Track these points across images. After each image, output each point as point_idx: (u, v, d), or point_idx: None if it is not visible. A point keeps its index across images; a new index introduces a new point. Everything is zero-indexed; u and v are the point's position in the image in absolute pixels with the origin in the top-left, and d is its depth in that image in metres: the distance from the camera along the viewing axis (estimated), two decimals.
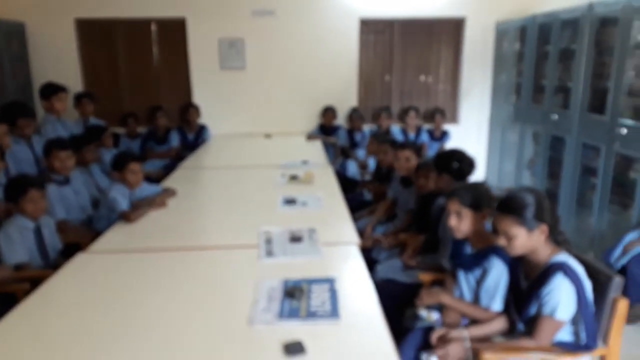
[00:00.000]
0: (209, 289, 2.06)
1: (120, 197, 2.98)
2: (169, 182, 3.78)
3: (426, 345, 1.97)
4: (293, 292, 1.91)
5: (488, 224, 2.17)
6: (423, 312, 2.17)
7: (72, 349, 1.63)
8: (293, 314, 1.78)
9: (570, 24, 4.28)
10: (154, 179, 4.13)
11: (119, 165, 3.15)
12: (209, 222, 3.06)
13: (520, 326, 1.96)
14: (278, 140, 5.66)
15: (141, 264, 2.33)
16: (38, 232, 2.70)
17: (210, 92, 5.93)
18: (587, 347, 1.84)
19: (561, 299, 1.78)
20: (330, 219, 2.88)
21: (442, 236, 2.60)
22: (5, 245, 2.54)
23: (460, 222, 2.10)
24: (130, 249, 2.51)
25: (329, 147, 5.55)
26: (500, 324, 1.99)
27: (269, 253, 2.35)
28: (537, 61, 4.89)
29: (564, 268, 1.79)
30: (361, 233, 2.99)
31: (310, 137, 5.73)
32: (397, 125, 5.98)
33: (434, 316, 2.16)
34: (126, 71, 5.93)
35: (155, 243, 2.57)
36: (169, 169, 4.60)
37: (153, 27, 5.84)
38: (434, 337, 1.95)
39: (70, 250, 2.61)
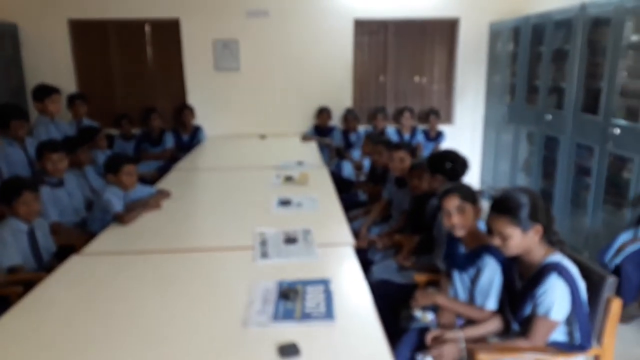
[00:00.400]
0: (203, 290, 2.05)
1: (114, 198, 2.96)
2: (163, 183, 3.77)
3: (421, 346, 1.98)
4: (288, 293, 1.91)
5: (482, 224, 2.18)
6: (418, 313, 2.18)
7: (65, 352, 1.62)
8: (288, 315, 1.77)
9: (563, 24, 4.31)
10: (148, 180, 4.12)
11: (113, 168, 3.13)
12: (204, 224, 3.06)
13: (515, 326, 1.96)
14: (273, 141, 5.66)
15: (135, 266, 2.32)
16: (31, 235, 2.68)
17: (204, 93, 5.92)
18: (582, 347, 1.84)
19: (556, 299, 1.78)
20: (325, 220, 2.88)
21: (437, 236, 2.60)
22: None
23: (463, 218, 2.11)
24: (124, 251, 2.50)
25: (324, 148, 5.55)
26: (495, 324, 2.00)
27: (264, 254, 2.35)
28: (531, 62, 4.91)
29: (558, 268, 1.80)
30: (356, 234, 2.99)
31: (305, 138, 5.73)
32: (392, 126, 5.99)
33: (429, 317, 2.16)
34: (120, 72, 5.91)
35: (150, 245, 2.56)
36: (163, 171, 4.59)
37: (147, 28, 5.82)
38: (429, 337, 1.95)
39: (64, 252, 2.59)
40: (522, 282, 1.93)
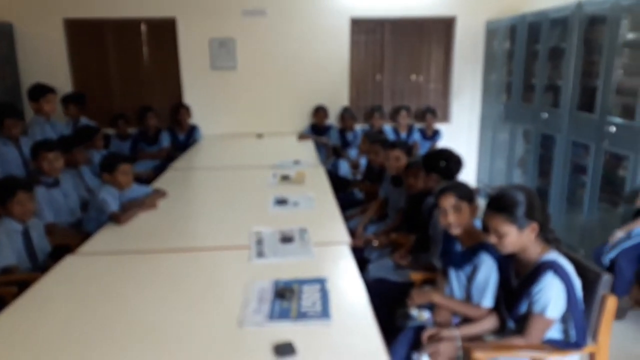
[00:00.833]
0: (199, 290, 2.04)
1: (109, 198, 2.95)
2: (160, 183, 3.76)
3: (417, 345, 1.98)
4: (284, 292, 1.91)
5: (477, 221, 2.18)
6: (414, 312, 2.18)
7: (60, 352, 1.61)
8: (284, 314, 1.77)
9: (559, 22, 4.31)
10: (144, 179, 4.11)
11: (109, 167, 3.11)
12: (200, 223, 3.05)
13: (511, 324, 1.96)
14: (269, 140, 5.65)
15: (131, 265, 2.32)
16: (26, 235, 2.67)
17: (201, 92, 5.90)
18: (577, 345, 1.85)
19: (551, 297, 1.78)
20: (321, 219, 2.87)
21: (433, 235, 2.60)
22: None
23: (459, 217, 2.11)
24: (119, 250, 2.49)
25: (320, 147, 5.54)
26: (491, 322, 2.00)
27: (260, 254, 2.34)
28: (527, 60, 4.92)
29: (554, 266, 1.80)
30: (352, 233, 2.99)
31: (301, 136, 5.72)
32: (389, 125, 5.99)
33: (425, 315, 2.16)
34: (116, 72, 5.88)
35: (145, 245, 2.55)
36: (159, 170, 4.57)
37: (143, 27, 5.80)
38: (425, 336, 1.96)
39: (59, 252, 2.58)
40: (518, 280, 1.93)
